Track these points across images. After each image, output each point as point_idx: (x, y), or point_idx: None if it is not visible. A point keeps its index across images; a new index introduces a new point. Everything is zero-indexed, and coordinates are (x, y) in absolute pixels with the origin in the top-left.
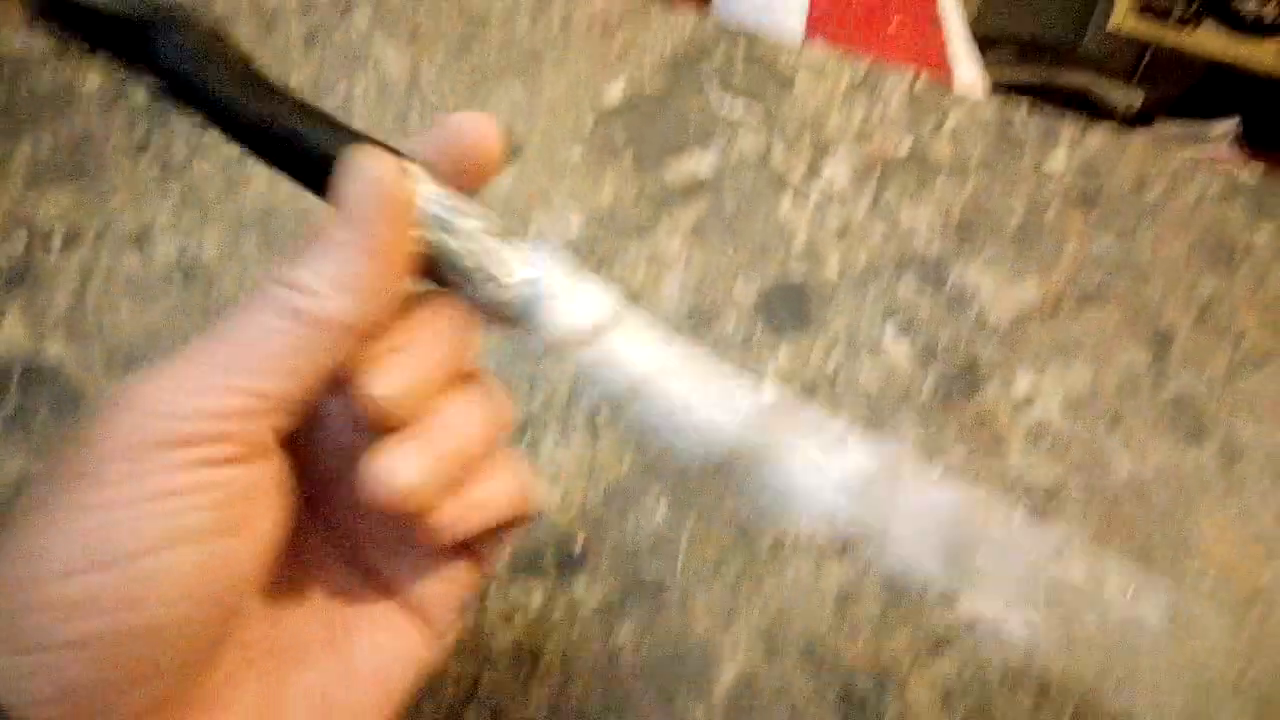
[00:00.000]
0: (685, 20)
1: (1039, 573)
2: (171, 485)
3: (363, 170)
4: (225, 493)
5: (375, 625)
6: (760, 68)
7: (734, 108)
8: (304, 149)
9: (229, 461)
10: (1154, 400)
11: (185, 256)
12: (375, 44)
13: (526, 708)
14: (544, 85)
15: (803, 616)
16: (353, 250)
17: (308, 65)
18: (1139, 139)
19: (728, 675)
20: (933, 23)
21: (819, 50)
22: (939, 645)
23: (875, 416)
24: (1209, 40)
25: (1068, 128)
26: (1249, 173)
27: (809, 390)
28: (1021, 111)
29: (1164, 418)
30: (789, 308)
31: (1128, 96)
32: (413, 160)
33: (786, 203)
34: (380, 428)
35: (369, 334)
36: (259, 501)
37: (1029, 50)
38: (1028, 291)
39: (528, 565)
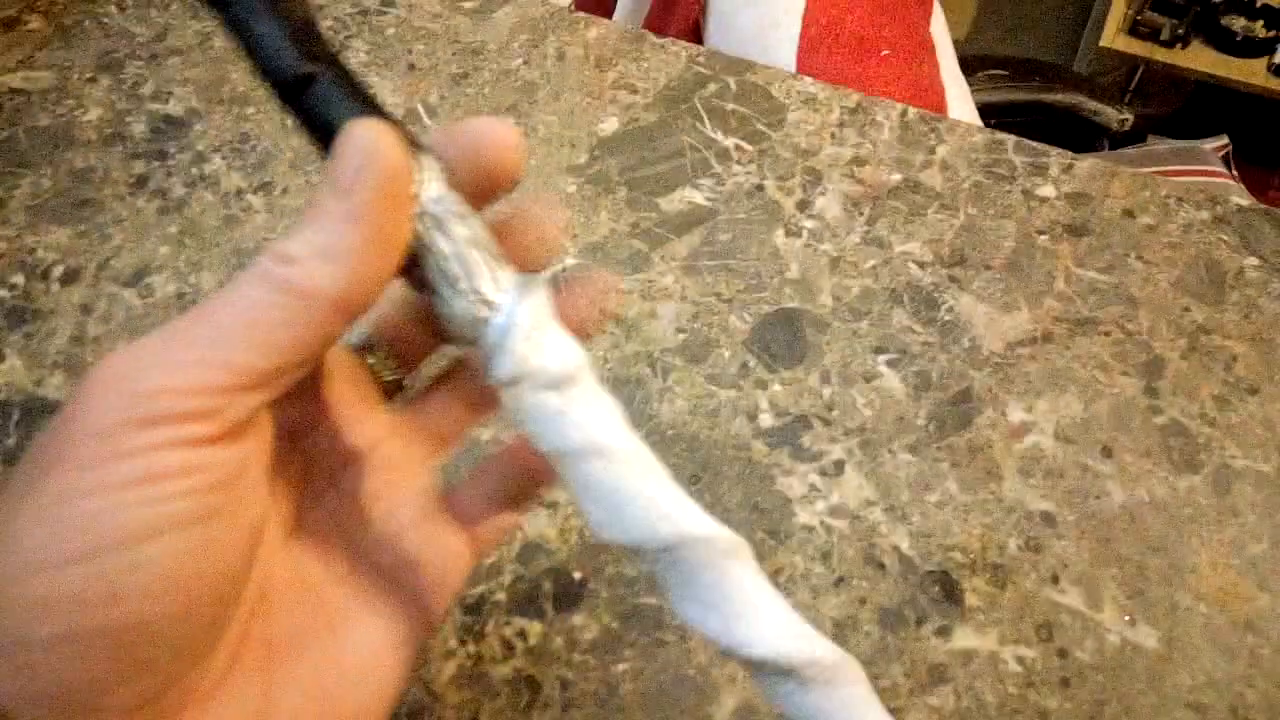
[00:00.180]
0: (678, 52)
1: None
2: (151, 469)
3: (362, 140)
4: (209, 476)
5: (368, 613)
6: (753, 99)
7: (727, 139)
8: (326, 114)
9: (211, 441)
10: (1146, 428)
11: (184, 292)
12: (371, 79)
13: None
14: (538, 118)
15: None
16: (342, 219)
17: None
18: (1128, 168)
19: (727, 706)
20: (924, 49)
21: (810, 81)
22: (936, 676)
23: (870, 447)
24: (1199, 59)
25: (1057, 157)
26: (1238, 196)
27: (803, 421)
28: (1011, 141)
29: (1156, 446)
30: (783, 339)
31: (1119, 115)
32: (430, 154)
33: (780, 234)
34: None
35: (357, 313)
36: (245, 485)
37: (1020, 70)
38: (1020, 321)
39: (528, 596)
